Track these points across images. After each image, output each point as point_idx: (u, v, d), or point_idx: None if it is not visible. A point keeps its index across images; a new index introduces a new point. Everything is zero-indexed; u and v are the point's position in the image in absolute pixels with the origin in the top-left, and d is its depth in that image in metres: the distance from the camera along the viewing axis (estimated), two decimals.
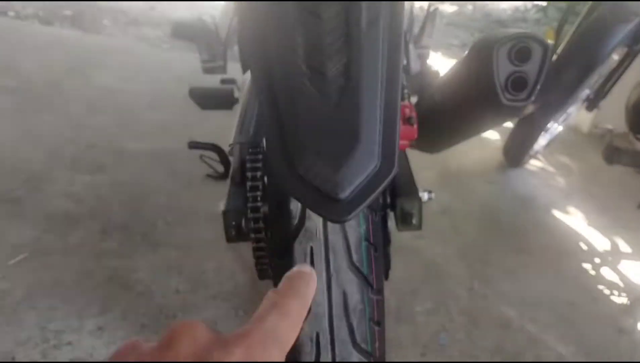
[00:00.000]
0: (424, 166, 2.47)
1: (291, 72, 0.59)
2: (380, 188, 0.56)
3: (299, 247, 0.75)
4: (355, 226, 0.75)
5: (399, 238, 1.93)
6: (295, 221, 0.75)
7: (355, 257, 0.76)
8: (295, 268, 0.41)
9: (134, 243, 1.74)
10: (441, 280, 1.73)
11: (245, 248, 1.30)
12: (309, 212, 0.73)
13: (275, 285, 0.84)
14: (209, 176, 2.15)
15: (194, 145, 1.49)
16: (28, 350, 1.32)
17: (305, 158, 0.57)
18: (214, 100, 1.83)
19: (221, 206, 1.13)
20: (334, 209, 0.56)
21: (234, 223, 1.11)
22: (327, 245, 0.74)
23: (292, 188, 0.57)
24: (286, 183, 0.57)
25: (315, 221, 0.74)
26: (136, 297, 1.52)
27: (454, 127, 1.24)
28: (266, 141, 0.60)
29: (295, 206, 0.74)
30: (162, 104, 2.78)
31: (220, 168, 1.52)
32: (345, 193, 0.55)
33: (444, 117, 1.22)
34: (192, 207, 1.96)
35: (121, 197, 1.97)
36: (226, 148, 1.50)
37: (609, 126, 1.81)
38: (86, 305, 1.47)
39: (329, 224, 0.74)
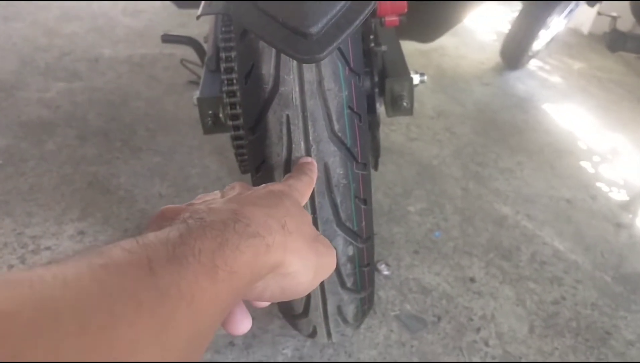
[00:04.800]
0: (416, 68, 2.36)
1: None
2: (358, 22, 0.48)
3: (273, 117, 0.67)
4: (337, 91, 0.67)
5: (393, 140, 1.86)
6: (268, 87, 0.66)
7: (337, 126, 0.68)
8: (299, 160, 0.64)
9: (114, 149, 1.66)
10: (435, 181, 1.67)
11: (231, 151, 1.23)
12: (283, 75, 0.65)
13: (251, 165, 0.75)
14: (191, 82, 2.05)
15: (167, 38, 1.38)
16: (5, 256, 1.26)
17: None
18: None
19: (196, 94, 1.05)
20: (303, 47, 0.47)
21: (210, 111, 1.03)
22: (305, 112, 0.66)
23: (254, 24, 0.48)
24: (247, 18, 0.48)
25: (290, 85, 0.65)
26: (118, 202, 1.46)
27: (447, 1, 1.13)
28: None
29: (267, 70, 0.65)
30: (140, 10, 2.62)
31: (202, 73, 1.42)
32: (316, 27, 0.47)
33: None
34: (174, 113, 1.87)
35: (99, 104, 1.87)
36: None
37: (614, 13, 1.69)
38: (65, 211, 1.41)
39: (307, 88, 0.65)
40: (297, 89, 0.65)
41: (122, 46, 2.29)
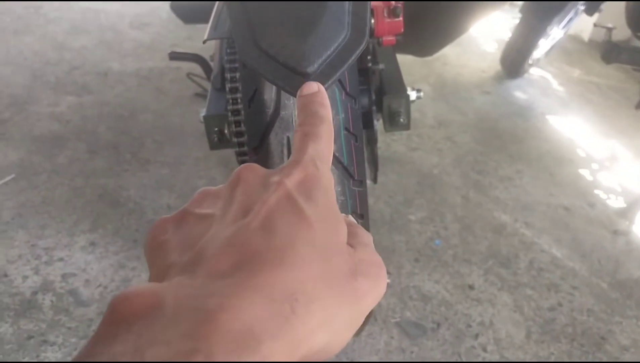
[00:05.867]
0: (419, 78, 2.40)
1: None
2: (351, 61, 0.52)
3: (274, 139, 0.72)
4: (334, 115, 0.71)
5: (394, 149, 1.91)
6: (270, 111, 0.71)
7: (334, 147, 0.72)
8: (301, 93, 0.44)
9: (123, 161, 1.71)
10: (436, 190, 1.71)
11: (235, 163, 1.28)
12: (284, 100, 0.69)
13: None
14: (197, 94, 2.10)
15: (174, 56, 1.44)
16: (20, 267, 1.32)
17: (268, 30, 0.52)
18: (196, 12, 1.75)
19: (202, 112, 1.09)
20: (301, 85, 0.52)
21: (216, 128, 1.08)
22: None
23: (257, 63, 0.53)
24: (250, 58, 0.53)
25: (291, 109, 0.70)
26: (127, 214, 1.51)
27: (444, 17, 1.18)
28: (228, 13, 0.55)
29: (269, 95, 0.70)
30: (147, 23, 2.68)
31: (208, 86, 1.46)
32: (312, 67, 0.51)
33: (434, 7, 1.16)
34: (180, 126, 1.92)
35: (108, 117, 1.93)
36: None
37: (609, 25, 1.73)
38: (77, 223, 1.46)
39: None
40: (297, 113, 0.70)
41: (130, 59, 2.35)
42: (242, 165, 0.35)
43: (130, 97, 2.06)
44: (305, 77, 0.51)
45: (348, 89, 0.72)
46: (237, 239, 0.30)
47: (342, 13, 0.53)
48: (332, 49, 0.51)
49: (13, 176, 1.59)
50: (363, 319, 0.32)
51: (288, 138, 0.71)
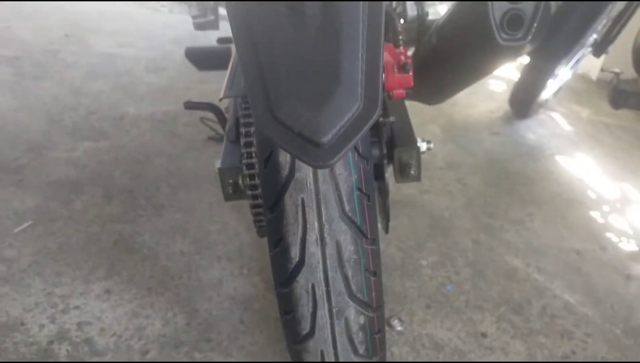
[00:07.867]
0: (428, 120, 2.43)
1: (269, 12, 0.57)
2: (364, 130, 0.55)
3: (289, 199, 0.74)
4: (347, 176, 0.73)
5: (404, 192, 1.92)
6: (285, 173, 0.73)
7: (347, 207, 0.75)
8: None
9: (138, 207, 1.74)
10: (447, 234, 1.72)
11: (249, 209, 1.30)
12: (298, 162, 0.72)
13: (269, 241, 0.82)
14: (210, 138, 2.15)
15: (190, 105, 1.47)
16: (36, 315, 1.33)
17: (284, 101, 0.55)
18: (210, 60, 1.80)
19: (217, 163, 1.12)
20: (316, 154, 0.54)
21: (230, 180, 1.10)
22: (318, 195, 0.73)
23: (274, 133, 0.55)
24: (267, 128, 0.55)
25: (305, 171, 0.72)
26: (142, 260, 1.53)
27: (452, 72, 1.21)
28: (246, 85, 0.58)
29: (284, 157, 0.73)
30: (162, 67, 2.75)
31: (222, 130, 1.49)
32: (327, 137, 0.54)
33: (442, 63, 1.19)
34: (194, 170, 1.95)
35: (123, 162, 1.97)
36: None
37: (616, 70, 1.76)
38: (92, 270, 1.48)
39: (320, 174, 0.72)
40: (310, 175, 0.72)
41: (145, 103, 2.40)
42: None
43: (145, 141, 2.10)
44: (320, 147, 0.53)
45: (361, 151, 0.74)
46: None
47: (354, 84, 0.56)
48: (345, 119, 0.54)
49: (31, 222, 1.62)
50: None
51: (302, 199, 0.73)
